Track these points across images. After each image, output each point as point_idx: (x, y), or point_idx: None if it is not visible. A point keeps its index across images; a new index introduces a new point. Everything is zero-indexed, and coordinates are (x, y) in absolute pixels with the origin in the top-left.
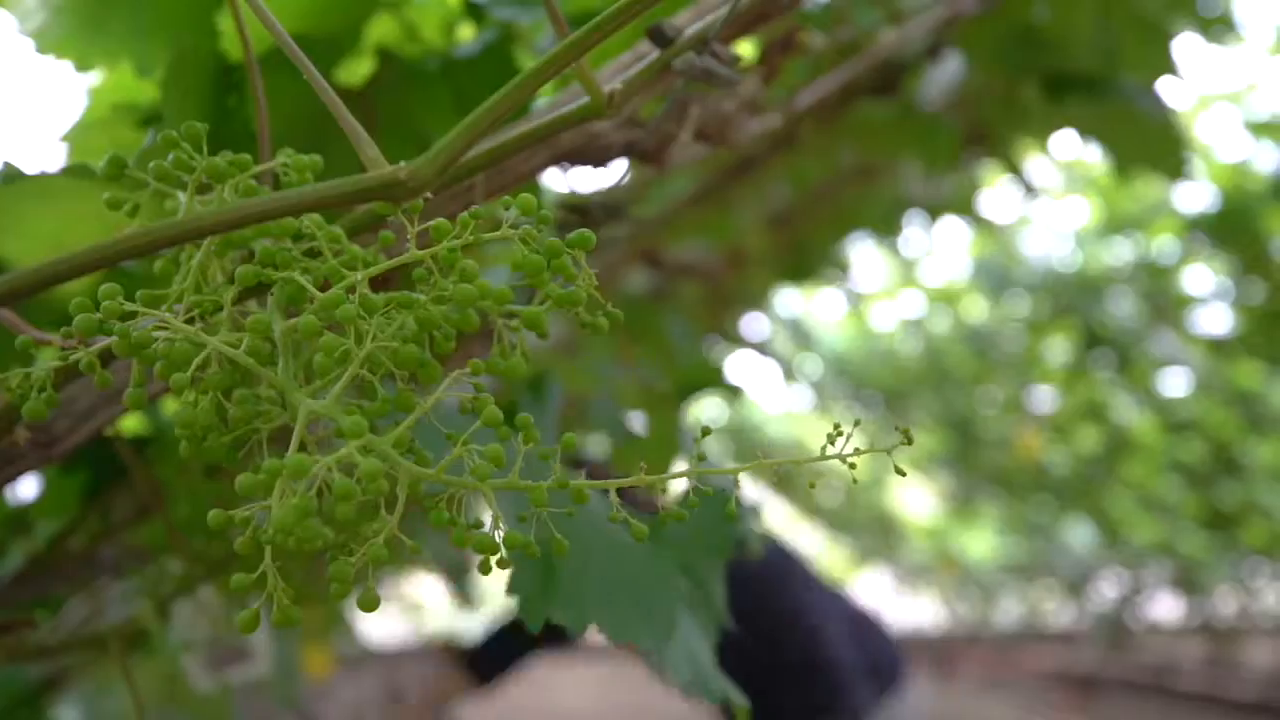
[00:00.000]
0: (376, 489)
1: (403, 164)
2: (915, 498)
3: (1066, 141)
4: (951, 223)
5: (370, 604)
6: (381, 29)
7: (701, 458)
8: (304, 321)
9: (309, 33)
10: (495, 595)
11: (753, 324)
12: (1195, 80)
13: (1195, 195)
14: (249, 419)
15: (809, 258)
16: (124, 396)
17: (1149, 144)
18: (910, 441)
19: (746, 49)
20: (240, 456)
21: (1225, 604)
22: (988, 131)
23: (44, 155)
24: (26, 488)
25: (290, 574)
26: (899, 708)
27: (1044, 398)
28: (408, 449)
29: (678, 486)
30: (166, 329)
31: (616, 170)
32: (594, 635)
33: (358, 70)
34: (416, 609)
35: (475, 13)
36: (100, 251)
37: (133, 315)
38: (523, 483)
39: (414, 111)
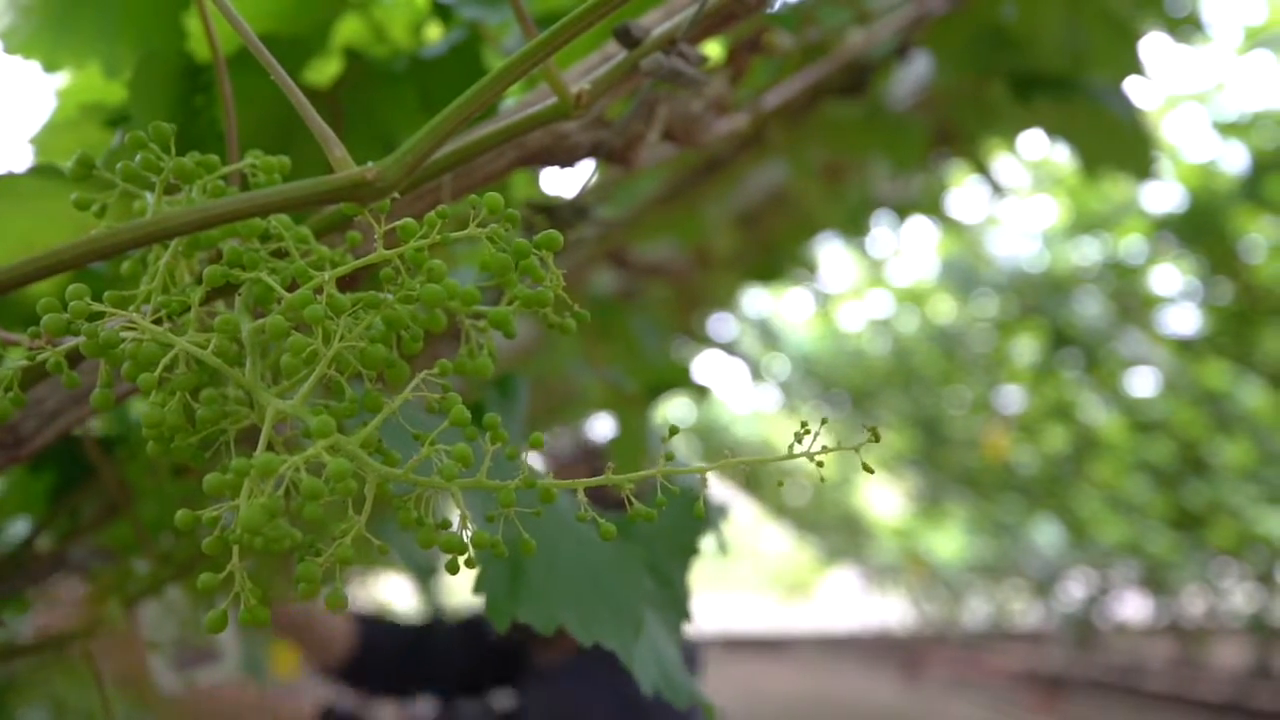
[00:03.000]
0: (344, 489)
1: (370, 164)
2: (883, 497)
3: (1034, 141)
4: (919, 223)
5: (338, 603)
6: (349, 29)
7: (670, 457)
8: (271, 322)
9: (277, 33)
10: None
11: (720, 324)
12: (1163, 80)
13: (1163, 195)
14: (216, 419)
15: (777, 258)
16: (91, 397)
17: (1117, 144)
18: (878, 439)
19: (714, 49)
20: (208, 457)
21: (1193, 604)
22: (956, 131)
23: (12, 156)
24: None
25: (259, 574)
26: None
27: (1011, 398)
28: (375, 449)
29: (646, 485)
30: (134, 329)
31: (584, 170)
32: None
33: (325, 71)
34: (384, 609)
35: (442, 13)
36: (68, 252)
37: (100, 316)
38: (490, 482)
39: (381, 112)
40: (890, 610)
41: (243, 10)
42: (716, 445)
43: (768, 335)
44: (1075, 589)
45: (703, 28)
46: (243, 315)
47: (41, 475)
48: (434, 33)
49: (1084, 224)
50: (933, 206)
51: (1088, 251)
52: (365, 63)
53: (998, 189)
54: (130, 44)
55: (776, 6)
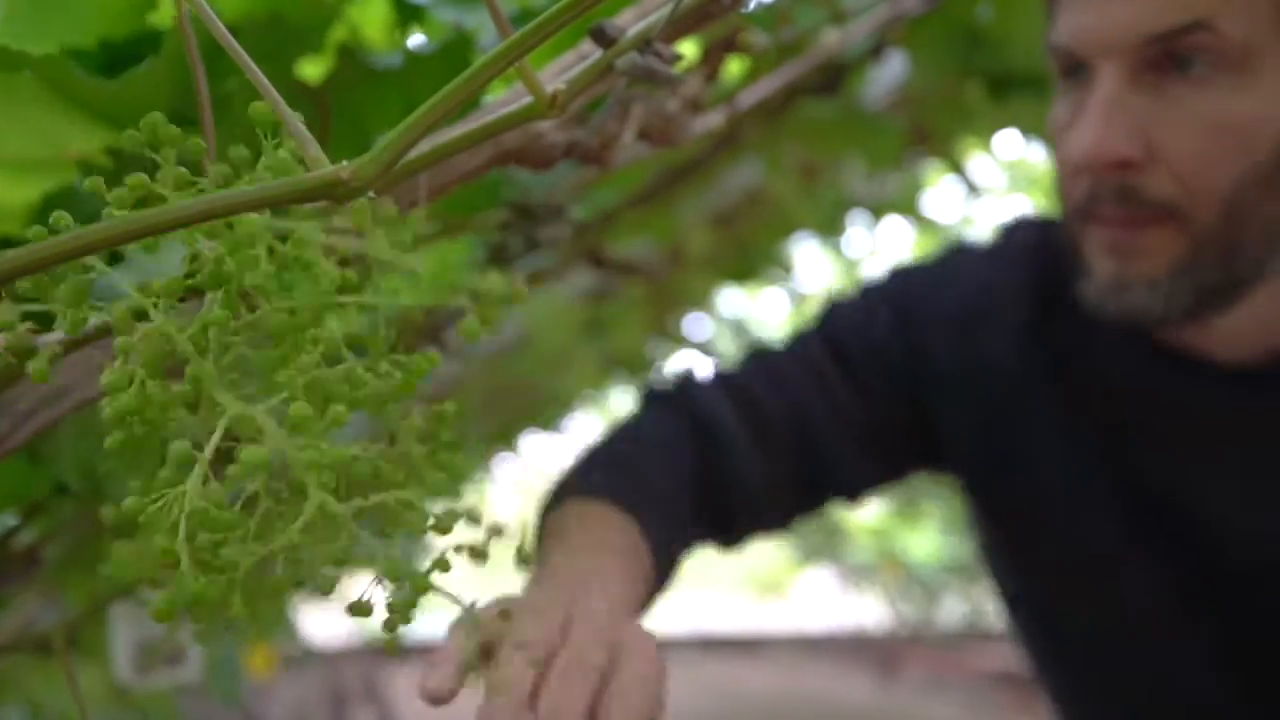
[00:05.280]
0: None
1: (345, 163)
2: None
3: (1010, 141)
4: (895, 222)
5: (329, 587)
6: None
7: None
8: (269, 318)
9: (279, 13)
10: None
11: (696, 324)
12: None
13: None
14: (166, 405)
15: (752, 257)
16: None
17: None
18: None
19: (689, 48)
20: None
21: None
22: (931, 131)
23: None
24: None
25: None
26: None
27: None
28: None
29: None
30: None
31: (560, 170)
32: None
33: (317, 68)
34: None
35: (414, 14)
36: (42, 251)
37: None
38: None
39: (368, 110)
40: (866, 610)
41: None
42: None
43: (743, 335)
44: None
45: (678, 27)
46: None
47: (18, 473)
48: (411, 35)
49: None
50: (908, 206)
51: None
52: (356, 60)
53: (973, 188)
54: (94, 41)
55: (751, 6)
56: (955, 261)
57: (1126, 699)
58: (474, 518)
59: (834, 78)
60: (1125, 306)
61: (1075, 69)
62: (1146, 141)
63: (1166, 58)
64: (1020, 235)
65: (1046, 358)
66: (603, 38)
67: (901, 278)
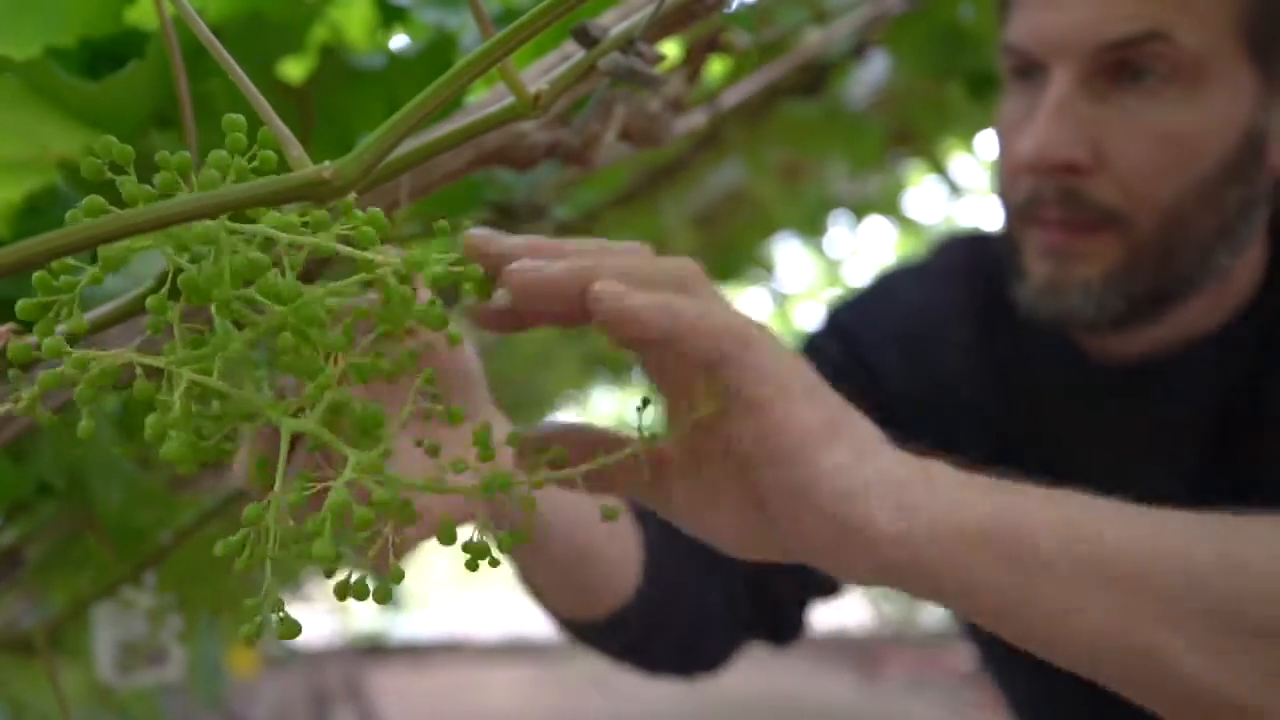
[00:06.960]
0: (391, 510)
1: (327, 163)
2: None
3: (991, 140)
4: (877, 222)
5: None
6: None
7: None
8: (283, 339)
9: (263, 13)
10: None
11: None
12: None
13: None
14: (220, 440)
15: (734, 257)
16: (80, 429)
17: None
18: None
19: (671, 48)
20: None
21: None
22: (913, 131)
23: None
24: None
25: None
26: None
27: None
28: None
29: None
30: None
31: (543, 170)
32: (524, 634)
33: (299, 67)
34: (342, 608)
35: (397, 14)
36: (21, 252)
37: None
38: (512, 478)
39: (350, 111)
40: (848, 610)
41: None
42: None
43: None
44: None
45: (661, 27)
46: (230, 331)
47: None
48: (394, 35)
49: None
50: (890, 206)
51: None
52: (338, 60)
53: (955, 189)
54: (74, 40)
55: (734, 6)
56: (888, 284)
57: (1065, 707)
58: None
59: (816, 78)
60: (1058, 310)
61: (1027, 70)
62: (1094, 147)
63: (1121, 66)
64: (952, 253)
65: (990, 377)
66: (585, 38)
67: (837, 312)
